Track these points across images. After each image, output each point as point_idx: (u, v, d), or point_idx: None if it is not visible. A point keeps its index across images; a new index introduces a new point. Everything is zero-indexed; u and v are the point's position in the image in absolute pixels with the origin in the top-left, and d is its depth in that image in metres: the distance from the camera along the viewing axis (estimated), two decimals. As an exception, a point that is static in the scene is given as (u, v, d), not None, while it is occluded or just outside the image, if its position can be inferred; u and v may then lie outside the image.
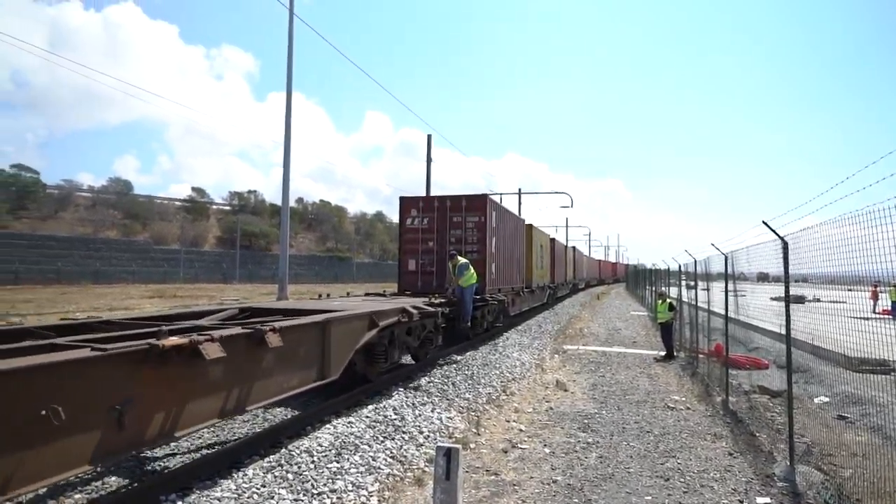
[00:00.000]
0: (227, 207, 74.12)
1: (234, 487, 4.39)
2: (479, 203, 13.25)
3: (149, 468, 4.95)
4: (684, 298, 13.52)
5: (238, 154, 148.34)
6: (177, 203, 70.69)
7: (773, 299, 6.93)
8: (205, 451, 5.43)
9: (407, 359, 9.54)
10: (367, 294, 12.37)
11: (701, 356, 10.60)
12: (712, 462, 5.64)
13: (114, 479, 4.65)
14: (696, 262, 11.20)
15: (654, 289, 24.13)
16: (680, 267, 14.06)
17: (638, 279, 38.69)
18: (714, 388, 8.82)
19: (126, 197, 64.92)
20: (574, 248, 39.83)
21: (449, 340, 11.72)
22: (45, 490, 4.21)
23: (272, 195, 77.35)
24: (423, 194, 20.76)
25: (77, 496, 4.30)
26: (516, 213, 22.66)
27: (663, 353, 12.47)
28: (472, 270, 11.19)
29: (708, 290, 10.50)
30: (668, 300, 12.97)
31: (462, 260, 11.24)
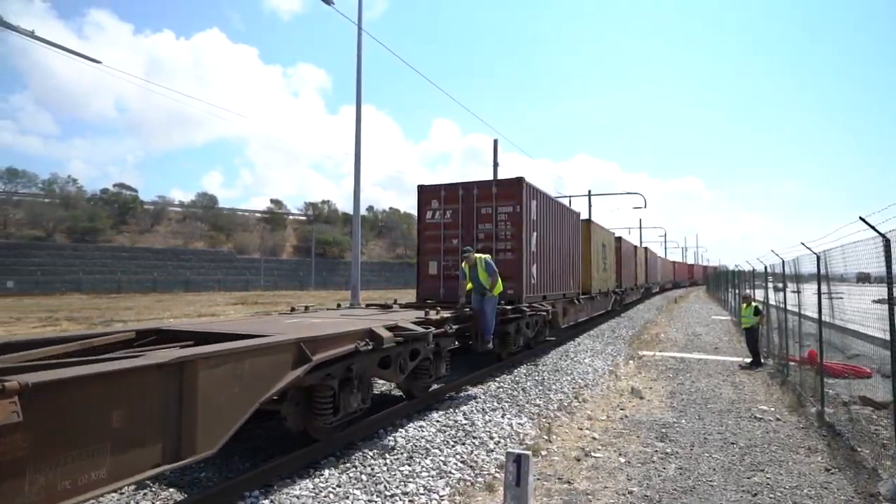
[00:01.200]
0: (303, 217, 77.66)
1: (312, 486, 4.58)
2: (513, 189, 10.75)
3: (235, 466, 5.26)
4: (772, 301, 12.62)
5: (313, 166, 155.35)
6: (257, 214, 74.98)
7: (875, 302, 6.32)
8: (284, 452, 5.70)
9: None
10: (368, 305, 10.56)
11: (792, 363, 9.84)
12: (806, 478, 5.22)
13: (203, 475, 4.99)
14: (783, 262, 10.44)
15: (737, 291, 22.73)
16: (766, 268, 13.15)
17: (720, 281, 36.57)
18: (807, 398, 8.16)
19: (211, 210, 69.67)
20: (646, 248, 37.27)
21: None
22: (133, 488, 4.58)
23: (344, 204, 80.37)
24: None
25: (171, 490, 4.65)
26: (586, 215, 21.34)
27: (749, 360, 11.69)
28: (497, 274, 8.82)
29: (798, 292, 9.75)
30: (754, 304, 12.16)
31: (482, 257, 8.80)
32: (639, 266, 30.66)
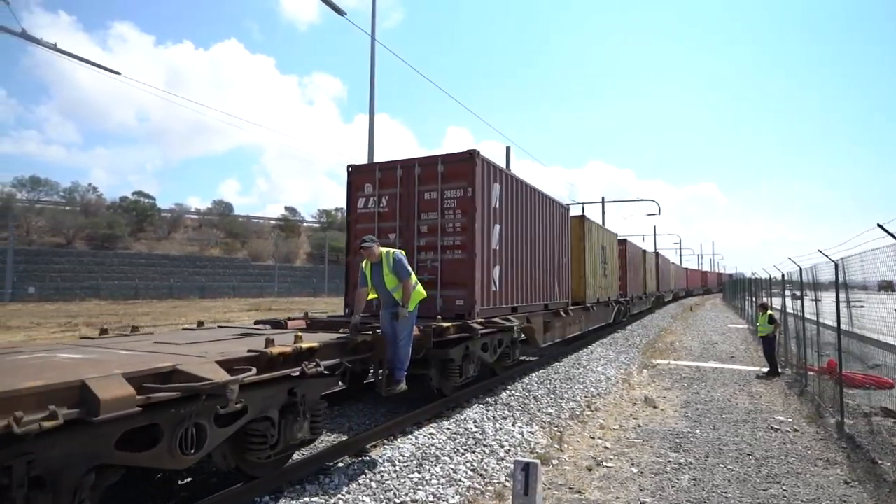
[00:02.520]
0: (317, 224, 78.24)
1: (322, 492, 4.59)
2: (464, 167, 8.16)
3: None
4: (789, 310, 12.40)
5: (327, 173, 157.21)
6: (271, 222, 75.70)
7: (896, 310, 6.18)
8: (296, 457, 5.72)
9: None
10: (256, 323, 7.70)
11: (811, 373, 9.64)
12: (825, 490, 5.10)
13: (214, 480, 5.02)
14: (801, 270, 10.26)
15: (754, 300, 22.39)
16: (783, 276, 12.94)
17: (736, 289, 36.00)
18: (826, 409, 7.98)
19: (227, 217, 70.55)
20: (657, 253, 35.12)
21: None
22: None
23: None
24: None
25: (183, 494, 4.68)
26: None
27: (766, 370, 11.49)
28: (413, 278, 6.11)
29: (816, 300, 9.58)
30: (769, 312, 11.97)
31: (389, 253, 6.06)
32: (648, 273, 28.26)
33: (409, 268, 6.10)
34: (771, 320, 11.72)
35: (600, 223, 16.39)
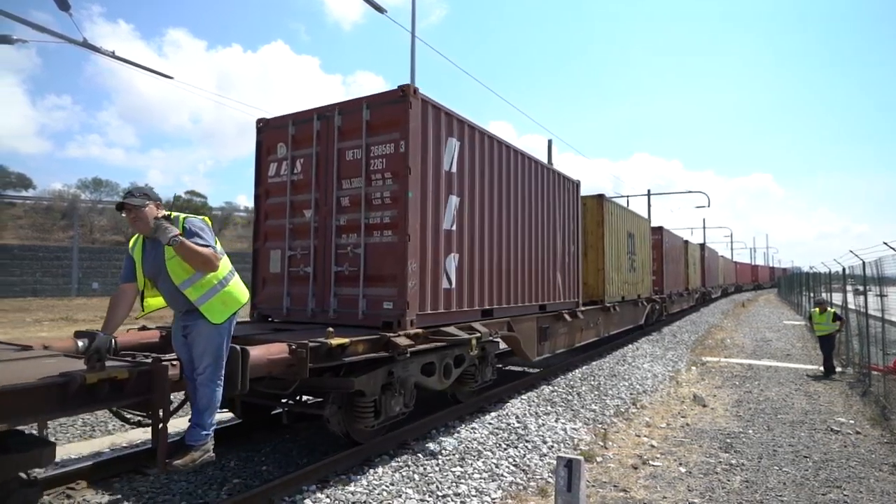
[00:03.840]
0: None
1: (366, 483, 4.68)
2: (395, 112, 5.85)
3: (294, 461, 5.45)
4: (850, 305, 11.75)
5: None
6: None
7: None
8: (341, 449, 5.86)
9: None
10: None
11: (875, 373, 9.11)
12: (891, 497, 4.82)
13: (264, 468, 5.20)
14: (864, 264, 9.70)
15: (811, 295, 21.31)
16: (844, 270, 12.26)
17: (792, 284, 34.35)
18: (893, 411, 7.53)
19: (274, 215, 72.57)
20: (703, 245, 31.36)
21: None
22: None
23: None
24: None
25: (235, 481, 4.88)
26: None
27: (822, 369, 10.92)
28: (223, 264, 3.71)
29: (881, 295, 9.04)
30: (831, 310, 11.32)
31: (181, 220, 3.65)
32: (691, 266, 25.07)
33: (217, 245, 3.70)
34: (836, 318, 11.07)
35: (621, 203, 13.45)
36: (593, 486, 4.99)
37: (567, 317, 9.80)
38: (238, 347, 3.82)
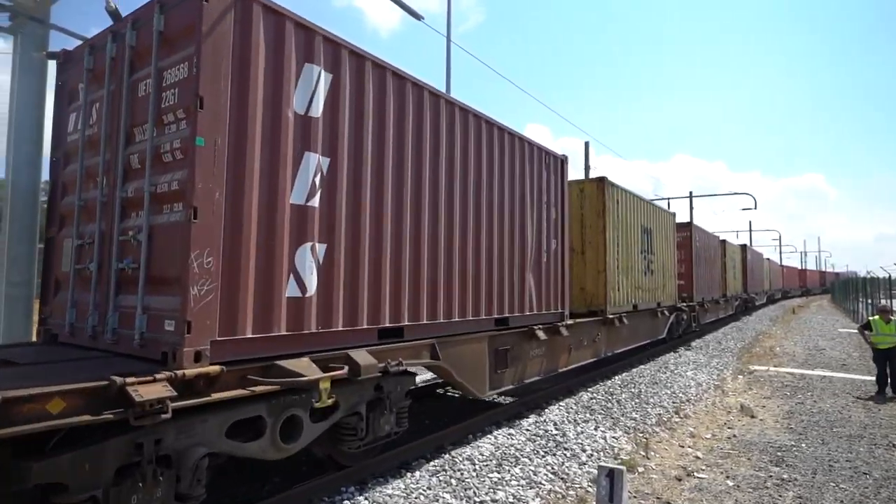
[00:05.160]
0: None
1: (404, 487, 4.70)
2: (188, 12, 3.72)
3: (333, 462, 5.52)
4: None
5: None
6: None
7: None
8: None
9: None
10: None
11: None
12: (961, 520, 4.49)
13: (304, 468, 5.29)
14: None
15: (870, 301, 20.20)
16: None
17: (847, 290, 32.67)
18: (962, 427, 7.04)
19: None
20: (745, 247, 28.21)
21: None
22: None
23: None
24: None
25: (276, 479, 4.98)
26: (686, 218, 17.71)
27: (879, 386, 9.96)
28: None
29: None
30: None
31: None
32: (729, 269, 22.45)
33: None
34: None
35: (631, 190, 11.09)
36: (635, 497, 4.85)
37: (542, 334, 7.40)
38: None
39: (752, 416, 7.85)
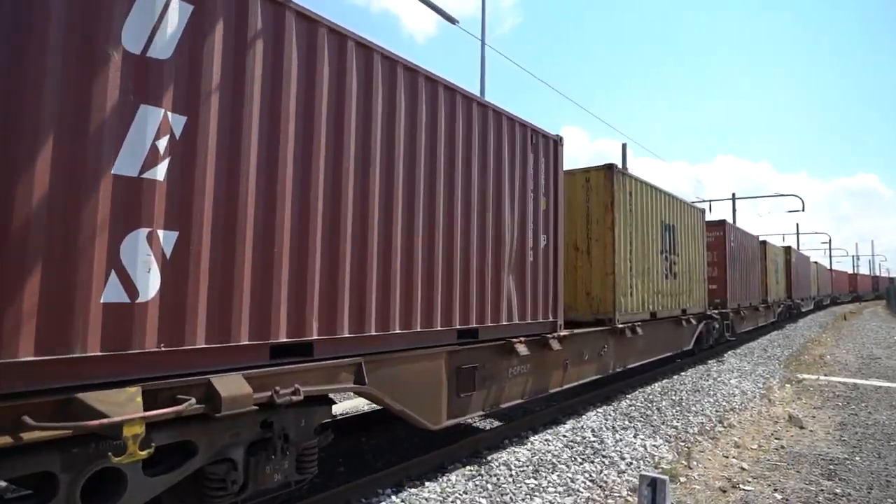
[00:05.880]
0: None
1: (440, 490, 4.70)
2: None
3: (369, 464, 5.58)
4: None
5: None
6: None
7: None
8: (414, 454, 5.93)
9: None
10: None
11: None
12: None
13: (341, 469, 5.36)
14: None
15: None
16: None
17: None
18: None
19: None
20: (789, 248, 25.92)
21: None
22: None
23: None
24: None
25: (315, 480, 5.06)
26: (729, 220, 16.98)
27: None
28: None
29: None
30: None
31: None
32: (771, 273, 20.51)
33: None
34: None
35: (645, 178, 9.67)
36: (677, 507, 4.72)
37: (523, 348, 6.05)
38: None
39: (802, 427, 7.53)
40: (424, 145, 5.04)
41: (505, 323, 6.00)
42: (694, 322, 11.82)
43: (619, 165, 8.87)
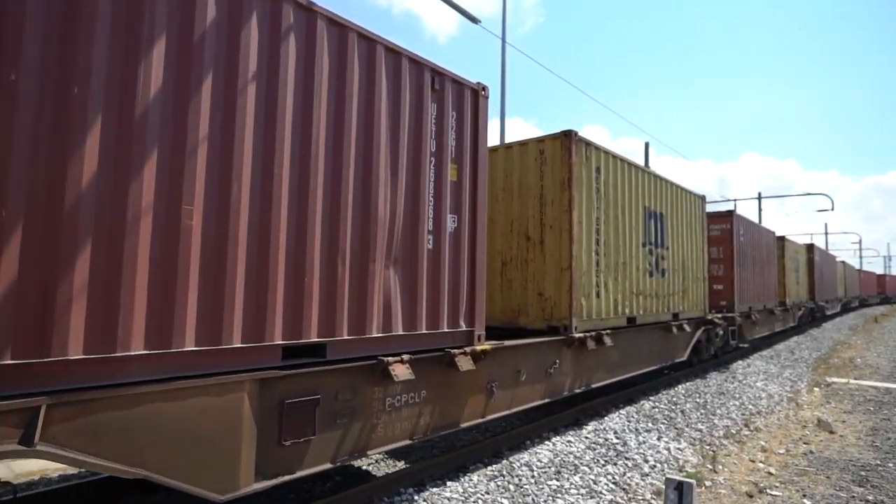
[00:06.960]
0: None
1: (462, 490, 4.71)
2: None
3: (391, 464, 5.62)
4: None
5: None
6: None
7: None
8: (435, 453, 5.95)
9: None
10: None
11: None
12: None
13: (368, 467, 5.41)
14: None
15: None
16: None
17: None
18: None
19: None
20: (812, 246, 23.30)
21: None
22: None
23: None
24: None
25: (338, 478, 5.12)
26: (753, 220, 16.85)
27: None
28: None
29: None
30: None
31: None
32: (790, 272, 18.71)
33: None
34: None
35: (617, 151, 7.85)
36: (702, 512, 4.66)
37: (403, 371, 4.23)
38: None
39: (831, 432, 7.36)
40: (244, 88, 3.40)
41: (376, 335, 4.20)
42: (689, 328, 9.90)
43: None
